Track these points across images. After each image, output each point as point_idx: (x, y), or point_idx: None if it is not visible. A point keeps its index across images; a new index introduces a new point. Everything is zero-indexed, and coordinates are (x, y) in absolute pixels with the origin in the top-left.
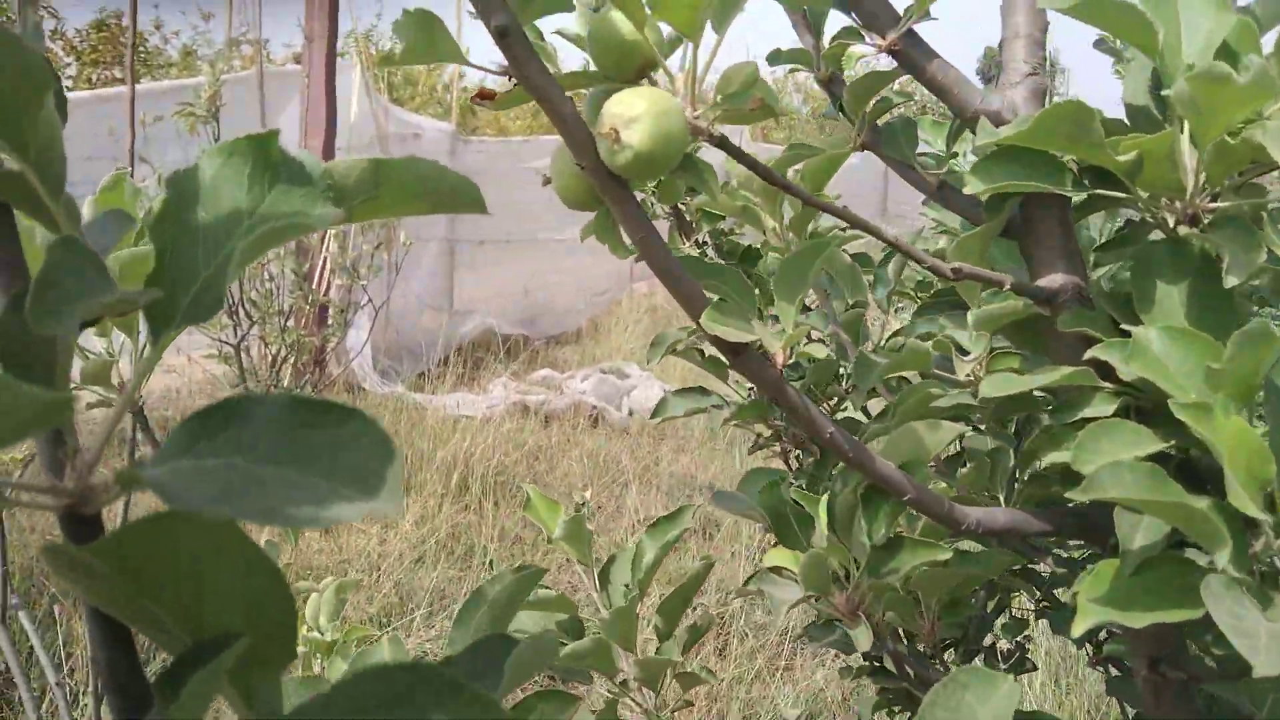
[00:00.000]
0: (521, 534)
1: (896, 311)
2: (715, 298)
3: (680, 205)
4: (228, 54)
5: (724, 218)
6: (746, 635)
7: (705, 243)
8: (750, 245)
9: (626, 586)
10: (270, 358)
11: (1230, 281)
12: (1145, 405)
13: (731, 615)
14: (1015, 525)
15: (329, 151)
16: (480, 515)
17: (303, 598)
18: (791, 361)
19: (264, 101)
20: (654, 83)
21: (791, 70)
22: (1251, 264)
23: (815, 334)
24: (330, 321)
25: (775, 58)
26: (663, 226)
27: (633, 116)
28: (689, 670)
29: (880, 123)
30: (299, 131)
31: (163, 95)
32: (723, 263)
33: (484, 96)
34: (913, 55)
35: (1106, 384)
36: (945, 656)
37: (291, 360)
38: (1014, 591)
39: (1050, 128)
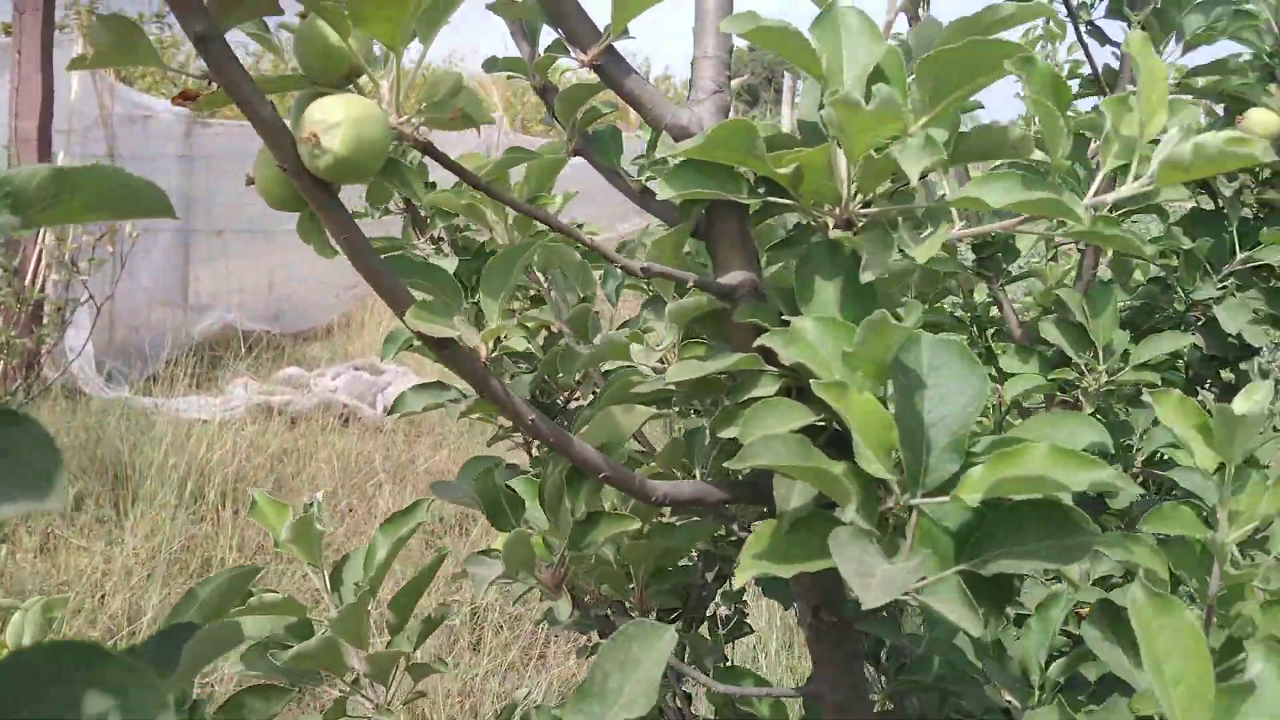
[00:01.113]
0: (264, 543)
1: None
2: (423, 296)
3: (414, 202)
4: None
5: (458, 214)
6: (502, 628)
7: (441, 239)
8: (484, 242)
9: (357, 585)
10: None
11: (866, 277)
12: (805, 385)
13: (487, 609)
14: (700, 495)
15: (45, 134)
16: (218, 526)
17: (4, 617)
18: (525, 352)
19: None
20: (361, 89)
21: (509, 76)
22: (884, 262)
23: (556, 326)
24: (46, 321)
25: (491, 64)
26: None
27: (333, 123)
28: (420, 662)
29: (590, 130)
30: (8, 112)
31: None
32: (438, 262)
33: (186, 97)
34: (611, 71)
35: (771, 368)
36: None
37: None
38: (733, 561)
39: (719, 142)
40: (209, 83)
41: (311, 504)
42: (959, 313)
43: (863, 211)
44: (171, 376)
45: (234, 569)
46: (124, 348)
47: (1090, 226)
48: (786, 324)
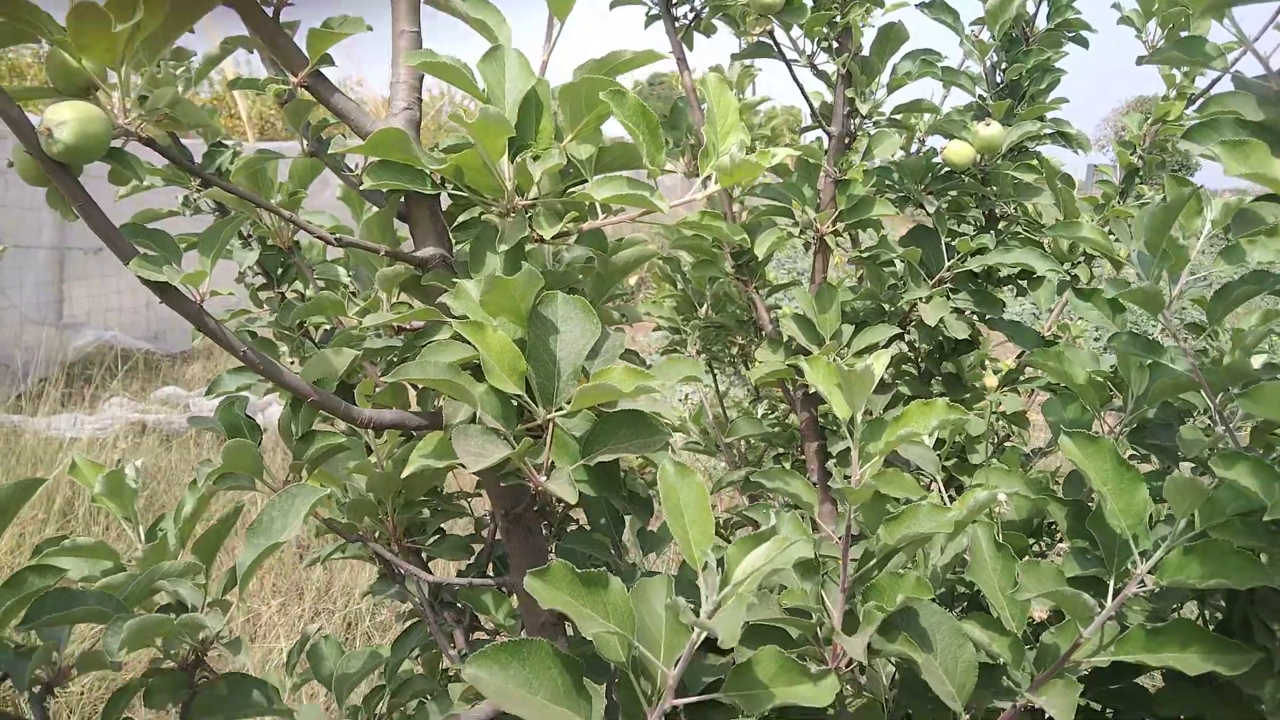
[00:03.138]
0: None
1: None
2: (146, 251)
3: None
4: None
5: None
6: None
7: (249, 235)
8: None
9: (163, 533)
10: None
11: (501, 247)
12: None
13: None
14: (400, 420)
15: None
16: None
17: None
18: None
19: None
20: (97, 100)
21: (257, 93)
22: (515, 238)
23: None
24: None
25: (235, 83)
26: None
27: (62, 120)
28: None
29: (323, 136)
30: None
31: None
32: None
33: None
34: (320, 89)
35: (450, 319)
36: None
37: None
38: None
39: (376, 143)
40: None
41: (120, 460)
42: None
43: (519, 203)
44: (42, 394)
45: (21, 480)
46: None
47: (688, 216)
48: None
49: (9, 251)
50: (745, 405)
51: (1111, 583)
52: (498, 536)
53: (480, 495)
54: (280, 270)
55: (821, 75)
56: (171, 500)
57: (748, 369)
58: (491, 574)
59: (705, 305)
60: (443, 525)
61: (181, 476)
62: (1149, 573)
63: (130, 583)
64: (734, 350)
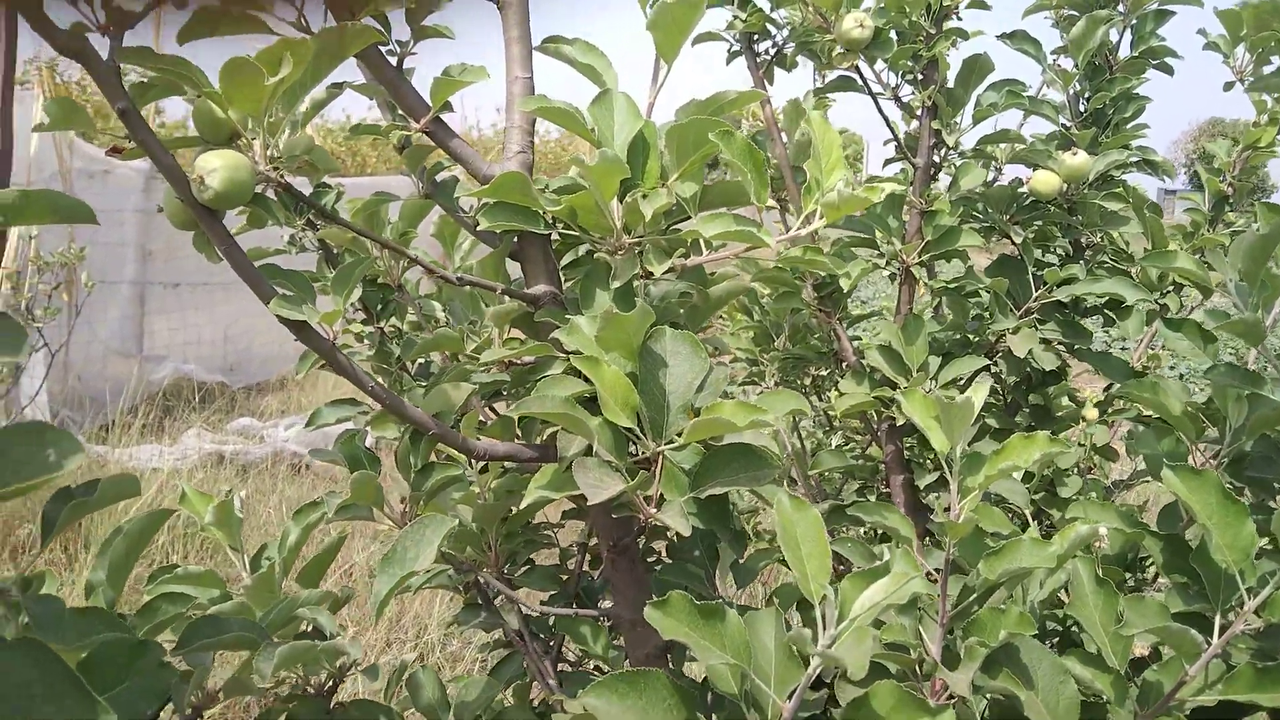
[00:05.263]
0: None
1: None
2: (285, 291)
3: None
4: None
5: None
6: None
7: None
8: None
9: (269, 560)
10: None
11: (614, 284)
12: None
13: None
14: (512, 453)
15: (3, 187)
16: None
17: None
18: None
19: None
20: (241, 149)
21: (369, 135)
22: (628, 275)
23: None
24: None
25: (356, 129)
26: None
27: (212, 168)
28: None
29: (438, 179)
30: None
31: None
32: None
33: (116, 150)
34: (440, 135)
35: (561, 355)
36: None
37: None
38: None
39: (499, 187)
40: (129, 141)
41: (230, 490)
42: (820, 346)
43: (628, 242)
44: (125, 425)
45: (152, 511)
46: (78, 397)
47: (789, 251)
48: None
49: (95, 287)
50: (819, 437)
51: (1217, 619)
52: (584, 568)
53: (563, 526)
54: (380, 306)
55: (905, 107)
56: (249, 529)
57: (821, 400)
58: (578, 605)
59: (783, 337)
60: (531, 556)
61: (257, 506)
62: (1257, 610)
63: (236, 611)
64: (808, 382)
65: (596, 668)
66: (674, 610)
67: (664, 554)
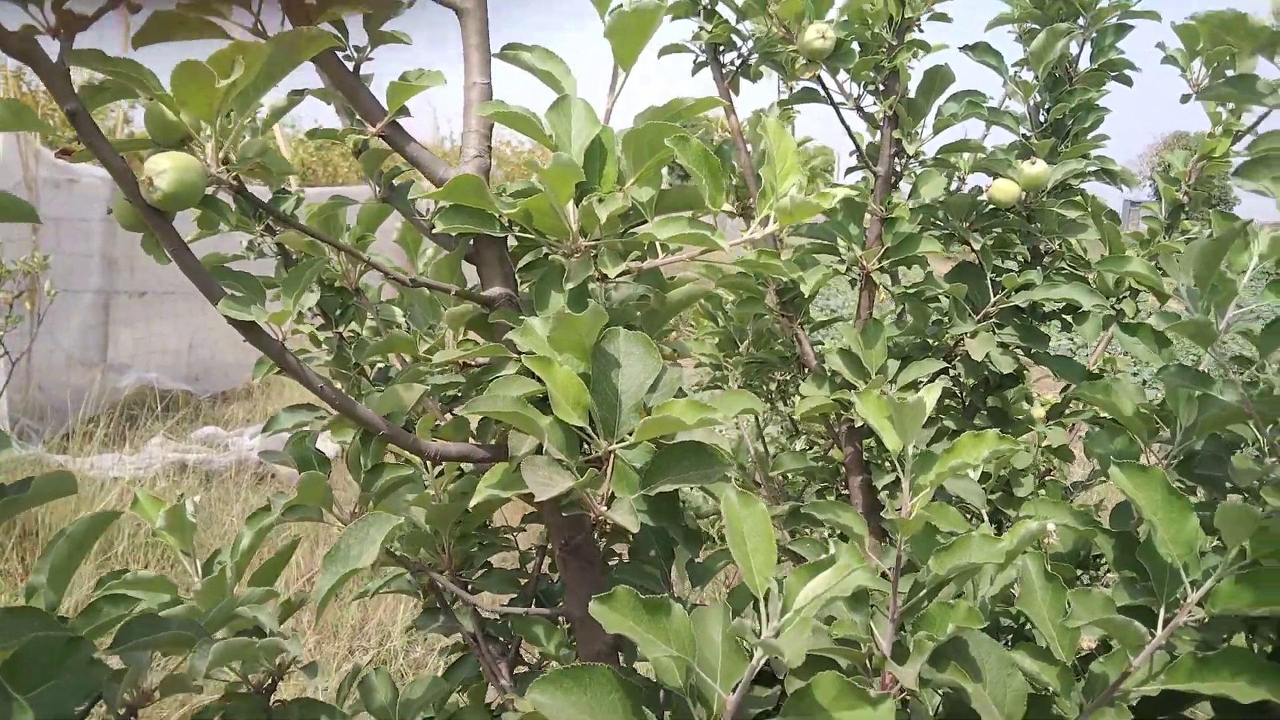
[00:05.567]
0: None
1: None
2: (234, 293)
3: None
4: None
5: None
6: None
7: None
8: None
9: (221, 564)
10: None
11: (568, 285)
12: None
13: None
14: (465, 453)
15: None
16: None
17: None
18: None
19: None
20: (191, 150)
21: (328, 139)
22: (581, 277)
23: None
24: None
25: (313, 134)
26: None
27: (162, 170)
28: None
29: (395, 183)
30: None
31: None
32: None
33: (65, 153)
34: (396, 139)
35: (515, 356)
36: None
37: None
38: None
39: (453, 189)
40: (78, 143)
41: (181, 495)
42: (783, 350)
43: (583, 244)
44: (87, 434)
45: (97, 513)
46: (40, 406)
47: (742, 257)
48: None
49: (58, 296)
50: (783, 440)
51: (1161, 612)
52: (544, 570)
53: (524, 530)
54: (339, 311)
55: (867, 117)
56: (210, 536)
57: (785, 405)
58: (537, 607)
59: (746, 342)
60: (489, 559)
61: (220, 514)
62: (1199, 602)
63: (184, 616)
64: (772, 386)
65: (554, 668)
66: (619, 605)
67: (624, 557)
